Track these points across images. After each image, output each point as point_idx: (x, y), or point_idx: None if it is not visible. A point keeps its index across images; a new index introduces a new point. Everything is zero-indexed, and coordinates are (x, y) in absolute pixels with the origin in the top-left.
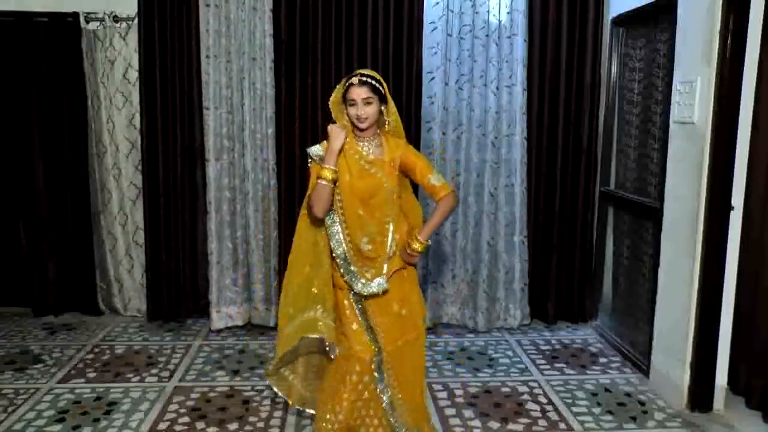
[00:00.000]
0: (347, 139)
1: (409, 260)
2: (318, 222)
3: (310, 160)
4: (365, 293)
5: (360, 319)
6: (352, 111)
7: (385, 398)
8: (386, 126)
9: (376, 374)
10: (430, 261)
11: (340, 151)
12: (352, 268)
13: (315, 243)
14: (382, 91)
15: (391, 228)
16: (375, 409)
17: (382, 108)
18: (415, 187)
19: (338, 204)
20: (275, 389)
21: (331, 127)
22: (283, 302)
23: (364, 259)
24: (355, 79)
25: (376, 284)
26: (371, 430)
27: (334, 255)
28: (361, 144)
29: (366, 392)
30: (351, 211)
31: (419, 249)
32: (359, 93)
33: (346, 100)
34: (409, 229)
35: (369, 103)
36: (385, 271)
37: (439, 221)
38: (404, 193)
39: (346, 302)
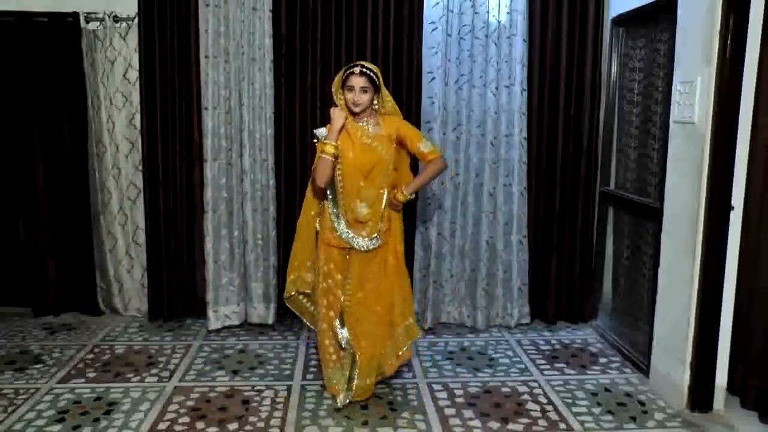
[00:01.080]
0: (349, 121)
1: (394, 209)
2: (320, 193)
3: (315, 140)
4: (362, 249)
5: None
6: (348, 96)
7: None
8: (382, 109)
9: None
10: (432, 259)
11: (341, 131)
12: (348, 231)
13: (316, 213)
14: (377, 82)
15: (385, 194)
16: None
17: (375, 97)
18: (414, 165)
19: (338, 178)
20: (291, 308)
21: (332, 110)
22: (291, 255)
23: (358, 223)
24: (356, 69)
25: (369, 242)
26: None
27: (332, 221)
28: (362, 123)
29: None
30: (351, 183)
31: (401, 199)
32: (358, 81)
33: (344, 86)
34: (398, 185)
35: (365, 92)
36: (379, 228)
37: (425, 179)
38: (401, 166)
39: (335, 257)
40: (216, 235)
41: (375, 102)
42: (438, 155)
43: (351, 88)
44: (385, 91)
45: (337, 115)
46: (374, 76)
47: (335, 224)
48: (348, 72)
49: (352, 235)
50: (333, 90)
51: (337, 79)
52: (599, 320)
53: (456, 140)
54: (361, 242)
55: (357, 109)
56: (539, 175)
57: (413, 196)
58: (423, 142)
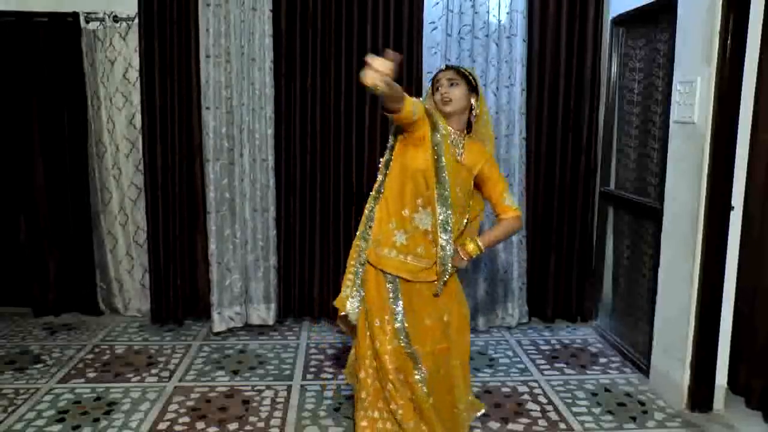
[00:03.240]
0: (447, 127)
1: (458, 264)
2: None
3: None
4: (411, 277)
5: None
6: (437, 96)
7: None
8: (476, 125)
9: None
10: None
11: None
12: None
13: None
14: (472, 82)
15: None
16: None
17: (473, 101)
18: None
19: (443, 176)
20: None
21: None
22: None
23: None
24: (442, 66)
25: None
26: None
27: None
28: (453, 140)
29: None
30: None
31: (472, 251)
32: (445, 74)
33: (434, 91)
34: (467, 233)
35: (455, 85)
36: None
37: (501, 235)
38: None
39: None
40: (219, 235)
41: (473, 108)
42: (519, 213)
43: (438, 85)
44: (484, 101)
45: None
46: (466, 73)
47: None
48: (434, 76)
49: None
50: (426, 106)
51: (428, 94)
52: (599, 320)
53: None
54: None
55: (448, 108)
56: (538, 175)
57: (484, 250)
58: (508, 193)
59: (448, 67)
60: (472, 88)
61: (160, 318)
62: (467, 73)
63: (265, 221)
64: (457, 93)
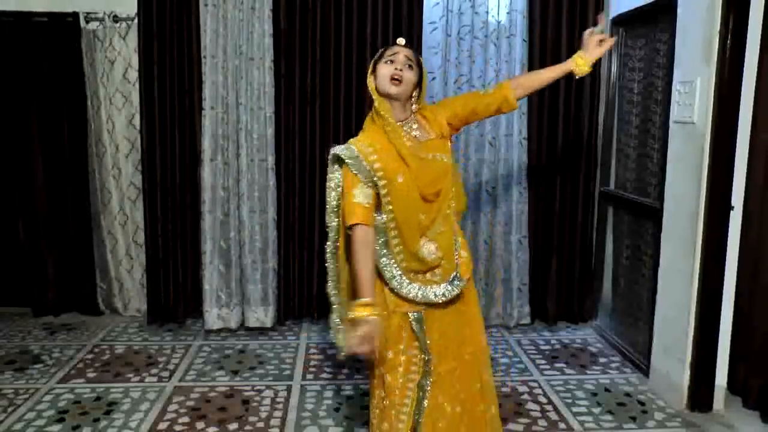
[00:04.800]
0: (390, 125)
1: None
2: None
3: (336, 166)
4: (440, 300)
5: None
6: (386, 69)
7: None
8: (417, 111)
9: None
10: None
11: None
12: (412, 284)
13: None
14: (422, 68)
15: (453, 214)
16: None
17: (415, 93)
18: None
19: (389, 216)
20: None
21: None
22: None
23: (426, 268)
24: (401, 40)
25: (455, 285)
26: None
27: (386, 278)
28: (406, 129)
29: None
30: (407, 216)
31: (586, 68)
32: (403, 51)
33: (379, 63)
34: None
35: (410, 68)
36: (457, 271)
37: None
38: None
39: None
40: (213, 236)
41: (413, 99)
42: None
43: (392, 60)
44: (423, 91)
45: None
46: (421, 62)
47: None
48: (387, 47)
49: (418, 287)
50: (369, 87)
51: (371, 69)
52: (599, 320)
53: (455, 140)
54: (438, 291)
55: (394, 90)
56: (539, 175)
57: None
58: (476, 91)
59: (407, 45)
60: (420, 78)
61: (156, 317)
62: (421, 63)
63: (264, 222)
64: (410, 77)
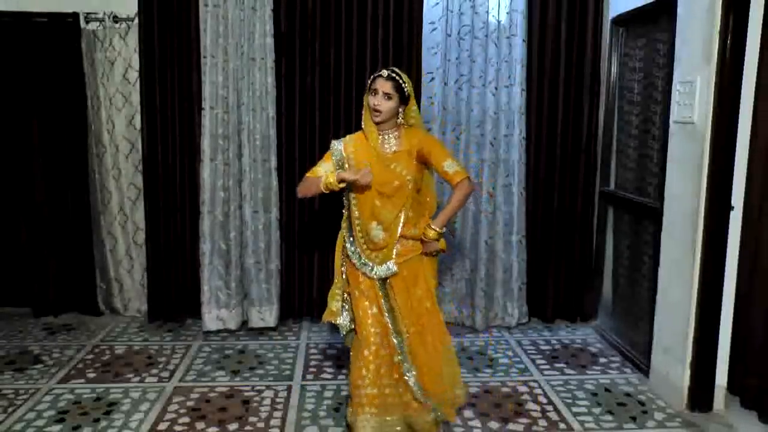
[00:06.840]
0: (370, 131)
1: (427, 249)
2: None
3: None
4: (375, 277)
5: (381, 301)
6: (371, 99)
7: (410, 380)
8: (404, 123)
9: (400, 357)
10: None
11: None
12: (363, 257)
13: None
14: (405, 92)
15: (402, 216)
16: (404, 387)
17: (401, 110)
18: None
19: (353, 202)
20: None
21: (362, 172)
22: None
23: (375, 247)
24: (384, 72)
25: (385, 268)
26: (407, 407)
27: (346, 247)
28: (381, 137)
29: (387, 369)
30: (366, 206)
31: (432, 236)
32: (382, 85)
33: (369, 89)
34: (426, 219)
35: (389, 98)
36: (394, 256)
37: (453, 208)
38: (424, 187)
39: (363, 284)
40: (212, 236)
41: (400, 115)
42: (465, 177)
43: (375, 92)
44: (413, 104)
45: (364, 175)
46: (403, 84)
47: (348, 247)
48: (375, 76)
49: (363, 260)
50: (364, 102)
51: (366, 90)
52: (599, 320)
53: (455, 140)
54: (378, 270)
55: (377, 118)
56: (539, 175)
57: (444, 229)
58: (448, 161)
59: (389, 77)
60: (405, 98)
61: (156, 317)
62: (403, 86)
63: (267, 222)
64: (388, 105)
